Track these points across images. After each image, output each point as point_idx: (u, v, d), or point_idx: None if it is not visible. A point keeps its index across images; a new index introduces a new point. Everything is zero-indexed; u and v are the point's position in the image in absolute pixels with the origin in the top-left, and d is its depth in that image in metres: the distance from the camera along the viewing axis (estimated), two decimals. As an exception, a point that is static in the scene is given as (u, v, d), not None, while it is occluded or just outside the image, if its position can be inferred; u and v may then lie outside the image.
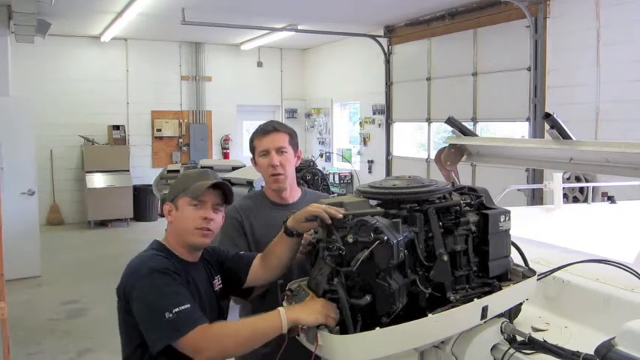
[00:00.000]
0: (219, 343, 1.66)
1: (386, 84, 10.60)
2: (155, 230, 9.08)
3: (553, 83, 7.23)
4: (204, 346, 1.64)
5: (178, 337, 1.64)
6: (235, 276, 2.02)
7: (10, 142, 7.14)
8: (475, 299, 1.64)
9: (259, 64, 13.10)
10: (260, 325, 1.67)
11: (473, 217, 1.75)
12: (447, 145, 2.95)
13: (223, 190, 1.95)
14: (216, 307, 1.97)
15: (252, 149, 2.47)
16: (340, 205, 1.72)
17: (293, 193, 2.51)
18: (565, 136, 2.30)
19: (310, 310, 1.62)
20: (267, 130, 2.41)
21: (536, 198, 7.28)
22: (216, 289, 1.98)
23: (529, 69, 7.45)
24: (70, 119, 11.14)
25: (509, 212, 1.79)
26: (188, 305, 1.68)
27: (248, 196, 2.69)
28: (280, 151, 2.39)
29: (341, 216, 1.66)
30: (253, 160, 2.49)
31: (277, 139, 2.40)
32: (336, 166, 12.35)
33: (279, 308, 1.67)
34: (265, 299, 2.18)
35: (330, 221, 1.67)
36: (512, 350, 1.66)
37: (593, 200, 5.39)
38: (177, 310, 1.65)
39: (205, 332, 1.65)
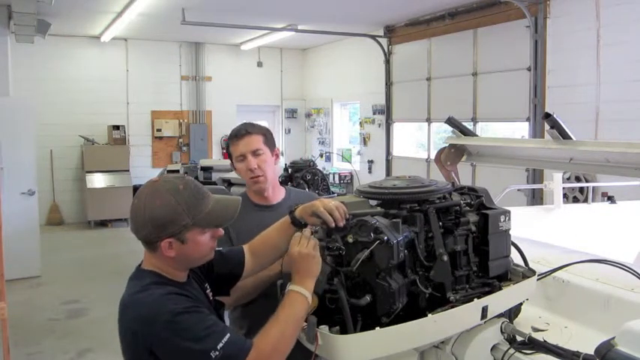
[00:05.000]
0: (276, 352, 1.58)
1: (386, 84, 10.60)
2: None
3: (553, 83, 7.23)
4: None
5: None
6: (229, 277, 1.93)
7: (10, 142, 7.14)
8: (475, 299, 1.64)
9: (259, 64, 13.09)
10: (293, 312, 1.61)
11: (473, 217, 1.76)
12: (447, 145, 2.96)
13: None
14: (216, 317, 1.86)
15: (229, 154, 2.45)
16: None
17: (276, 193, 2.49)
18: (565, 136, 2.30)
19: (310, 272, 1.64)
20: (240, 134, 2.38)
21: (536, 198, 7.29)
22: (210, 299, 1.87)
23: (529, 69, 7.45)
24: (70, 119, 11.14)
25: (509, 212, 1.79)
26: (228, 334, 1.54)
27: None
28: (256, 153, 2.37)
29: (342, 224, 1.65)
30: (232, 165, 2.47)
31: (252, 142, 2.37)
32: (336, 166, 12.35)
33: (290, 288, 1.64)
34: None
35: (333, 225, 1.66)
36: (512, 350, 1.67)
37: (593, 200, 5.39)
38: (220, 345, 1.51)
39: (259, 350, 1.55)
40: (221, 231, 1.75)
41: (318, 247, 1.67)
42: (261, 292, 2.14)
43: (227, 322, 2.23)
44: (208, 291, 1.85)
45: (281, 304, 1.64)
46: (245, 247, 1.96)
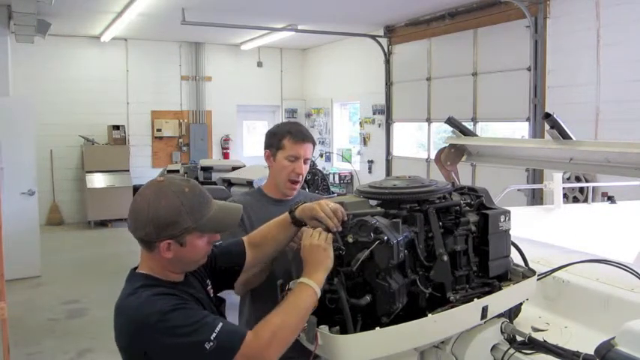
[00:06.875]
0: (276, 339, 1.56)
1: (386, 84, 10.60)
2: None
3: (553, 83, 7.23)
4: (264, 352, 1.54)
5: (233, 355, 1.52)
6: (230, 271, 1.93)
7: (10, 142, 7.13)
8: (475, 299, 1.64)
9: (259, 64, 13.10)
10: (300, 302, 1.60)
11: (473, 217, 1.76)
12: (447, 145, 2.96)
13: None
14: (217, 314, 1.83)
15: (278, 146, 2.43)
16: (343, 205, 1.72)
17: None
18: (565, 136, 2.31)
19: (320, 265, 1.63)
20: (305, 138, 2.43)
21: (536, 198, 7.28)
22: (211, 295, 1.85)
23: (529, 69, 7.45)
24: (70, 119, 11.14)
25: (509, 212, 1.79)
26: (221, 324, 1.53)
27: (247, 192, 2.71)
28: (306, 161, 2.45)
29: (340, 229, 1.66)
30: (272, 155, 2.46)
31: (309, 150, 2.45)
32: (336, 166, 12.35)
33: (299, 280, 1.64)
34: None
35: (334, 229, 1.67)
36: (512, 350, 1.67)
37: (593, 200, 5.39)
38: (214, 335, 1.50)
39: (257, 336, 1.54)
40: (218, 236, 1.74)
41: (331, 240, 1.67)
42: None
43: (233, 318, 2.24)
44: (209, 287, 1.85)
45: (288, 295, 1.64)
46: (244, 239, 1.96)
